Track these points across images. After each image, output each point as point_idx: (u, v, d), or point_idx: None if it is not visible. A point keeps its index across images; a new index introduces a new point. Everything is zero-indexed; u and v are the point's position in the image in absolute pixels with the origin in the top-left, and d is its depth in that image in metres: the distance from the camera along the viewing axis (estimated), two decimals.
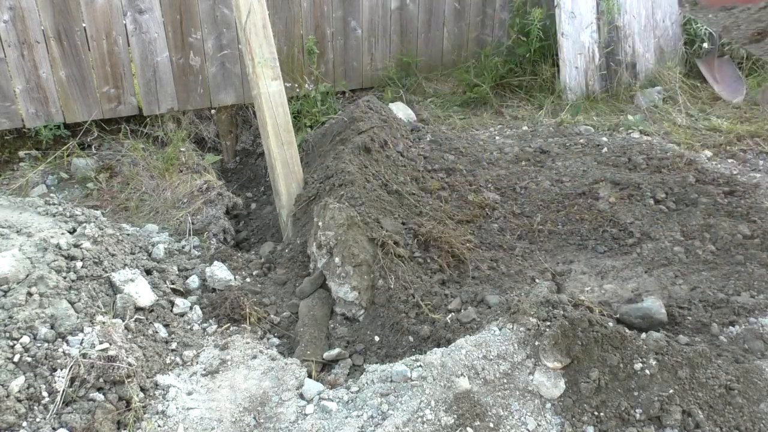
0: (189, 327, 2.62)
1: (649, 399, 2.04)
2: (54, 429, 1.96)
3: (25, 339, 2.10)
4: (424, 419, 2.02)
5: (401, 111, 4.57)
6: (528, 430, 2.04)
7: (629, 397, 2.07)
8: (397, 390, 2.15)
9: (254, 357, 2.45)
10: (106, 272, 2.55)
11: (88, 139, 4.04)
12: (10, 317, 2.14)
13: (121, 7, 3.85)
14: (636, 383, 2.08)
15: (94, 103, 3.97)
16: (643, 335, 2.21)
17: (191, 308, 2.70)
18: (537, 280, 2.94)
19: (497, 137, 4.48)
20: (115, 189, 3.76)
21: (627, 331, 2.17)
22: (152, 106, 4.15)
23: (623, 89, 5.09)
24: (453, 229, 3.22)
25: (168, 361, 2.38)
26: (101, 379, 2.09)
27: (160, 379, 2.26)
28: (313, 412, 2.16)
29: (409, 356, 2.35)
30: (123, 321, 2.37)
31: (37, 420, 1.96)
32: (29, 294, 2.23)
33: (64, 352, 2.11)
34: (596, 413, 2.06)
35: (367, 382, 2.24)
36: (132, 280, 2.55)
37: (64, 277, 2.38)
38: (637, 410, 2.05)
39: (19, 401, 1.96)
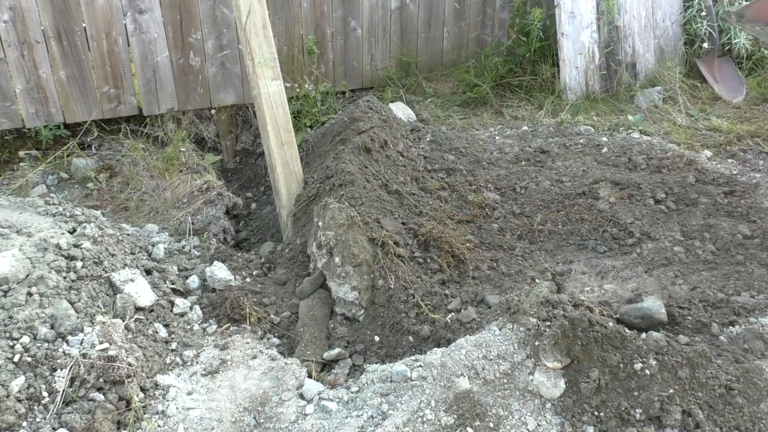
0: (189, 327, 2.62)
1: (649, 399, 2.04)
2: (54, 429, 1.96)
3: (25, 339, 2.10)
4: (424, 419, 2.02)
5: (401, 111, 4.57)
6: (528, 430, 2.04)
7: (629, 397, 2.07)
8: (397, 390, 2.15)
9: (254, 357, 2.45)
10: (106, 272, 2.55)
11: (88, 139, 4.04)
12: (10, 317, 2.14)
13: (121, 7, 3.85)
14: (636, 383, 2.08)
15: (94, 103, 3.97)
16: (643, 335, 2.21)
17: (191, 308, 2.70)
18: (537, 280, 2.94)
19: (497, 137, 4.48)
20: (115, 189, 3.76)
21: (627, 331, 2.17)
22: (152, 106, 4.15)
23: (623, 89, 5.09)
24: (453, 229, 3.22)
25: (168, 361, 2.38)
26: (101, 379, 2.09)
27: (160, 379, 2.26)
28: (313, 412, 2.16)
29: (409, 356, 2.35)
30: (123, 321, 2.37)
31: (37, 420, 1.96)
32: (29, 294, 2.23)
33: (64, 352, 2.11)
34: (596, 413, 2.06)
35: (367, 382, 2.24)
36: (132, 280, 2.55)
37: (64, 277, 2.38)
38: (637, 410, 2.05)
39: (19, 401, 1.96)
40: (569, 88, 4.97)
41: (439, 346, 2.40)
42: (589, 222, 3.40)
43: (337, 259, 2.79)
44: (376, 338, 2.65)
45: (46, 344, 2.12)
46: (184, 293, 2.81)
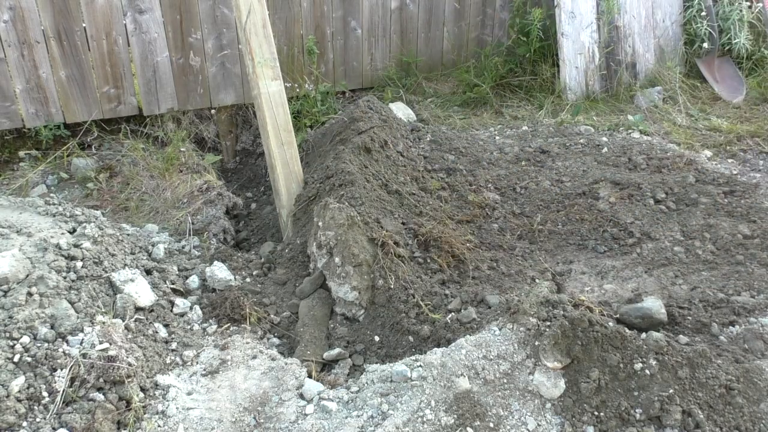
0: (189, 327, 2.62)
1: (649, 399, 2.04)
2: (54, 429, 1.96)
3: (25, 339, 2.10)
4: (424, 419, 2.02)
5: (401, 111, 4.57)
6: (528, 430, 2.04)
7: (629, 397, 2.07)
8: (397, 390, 2.15)
9: (254, 357, 2.45)
10: (106, 272, 2.55)
11: (88, 139, 4.04)
12: (10, 317, 2.14)
13: (121, 7, 3.85)
14: (636, 383, 2.08)
15: (94, 103, 3.97)
16: (643, 335, 2.21)
17: (191, 308, 2.70)
18: (537, 280, 2.94)
19: (497, 137, 4.48)
20: (115, 189, 3.76)
21: (627, 331, 2.17)
22: (152, 106, 4.15)
23: (623, 89, 5.09)
24: (453, 229, 3.22)
25: (168, 361, 2.38)
26: (101, 379, 2.09)
27: (160, 379, 2.26)
28: (313, 412, 2.16)
29: (409, 356, 2.35)
30: (123, 321, 2.37)
31: (37, 420, 1.96)
32: (29, 294, 2.23)
33: (64, 352, 2.11)
34: (596, 413, 2.06)
35: (367, 382, 2.24)
36: (132, 280, 2.55)
37: (64, 277, 2.38)
38: (637, 410, 2.05)
39: (19, 401, 1.96)
40: (569, 88, 4.97)
41: (439, 346, 2.40)
42: (589, 222, 3.40)
43: (337, 259, 2.79)
44: (376, 338, 2.65)
45: (46, 344, 2.12)
46: (184, 293, 2.81)
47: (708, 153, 4.20)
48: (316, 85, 4.64)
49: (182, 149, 4.05)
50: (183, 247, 3.25)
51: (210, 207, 3.61)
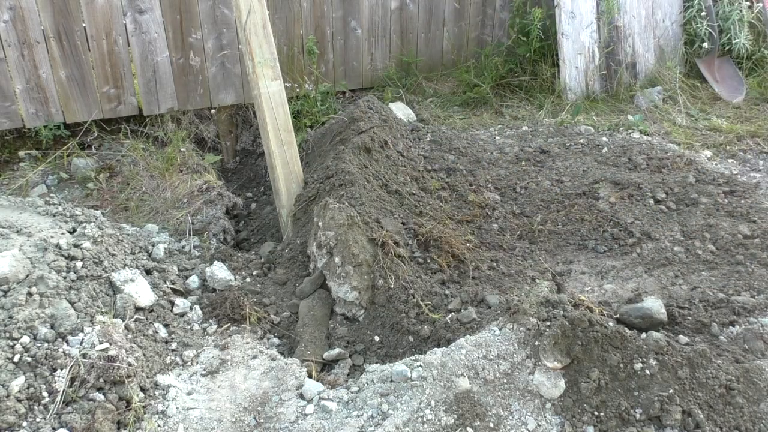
0: (189, 327, 2.62)
1: (649, 399, 2.04)
2: (54, 429, 1.96)
3: (25, 339, 2.10)
4: (424, 419, 2.02)
5: (401, 111, 4.57)
6: (528, 430, 2.04)
7: (629, 397, 2.07)
8: (397, 390, 2.15)
9: (254, 357, 2.45)
10: (106, 272, 2.55)
11: (88, 139, 4.04)
12: (10, 317, 2.14)
13: (121, 7, 3.85)
14: (636, 383, 2.08)
15: (94, 103, 3.97)
16: (643, 335, 2.21)
17: (191, 308, 2.70)
18: (537, 280, 2.94)
19: (497, 137, 4.48)
20: (115, 189, 3.76)
21: (627, 331, 2.17)
22: (152, 106, 4.15)
23: (623, 89, 5.09)
24: (453, 229, 3.22)
25: (168, 361, 2.38)
26: (101, 379, 2.09)
27: (160, 379, 2.26)
28: (313, 412, 2.16)
29: (409, 356, 2.35)
30: (123, 321, 2.37)
31: (37, 420, 1.96)
32: (29, 294, 2.23)
33: (64, 352, 2.11)
34: (596, 413, 2.06)
35: (367, 382, 2.24)
36: (132, 280, 2.55)
37: (64, 277, 2.38)
38: (637, 410, 2.05)
39: (19, 401, 1.96)
40: (569, 88, 4.97)
41: (439, 346, 2.40)
42: (589, 222, 3.40)
43: (337, 259, 2.79)
44: (376, 338, 2.65)
45: (46, 344, 2.12)
46: (184, 293, 2.81)
47: (708, 153, 4.20)
48: (316, 85, 4.64)
49: (182, 149, 4.05)
50: (183, 247, 3.25)
51: (210, 207, 3.61)
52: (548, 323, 2.21)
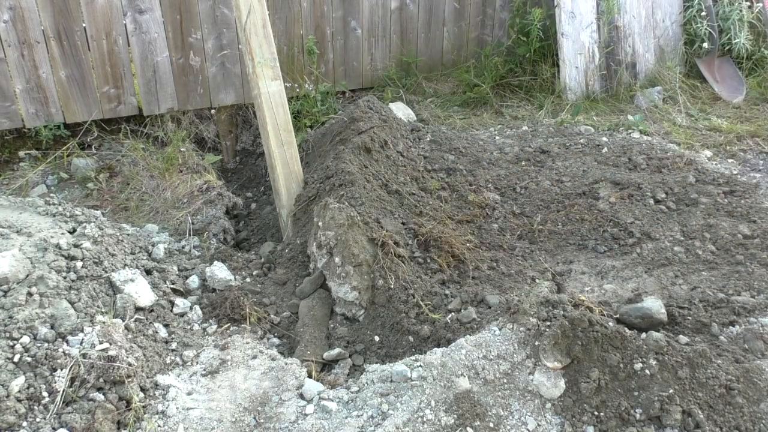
0: (189, 327, 2.62)
1: (649, 399, 2.04)
2: (54, 429, 1.96)
3: (25, 339, 2.10)
4: (424, 419, 2.02)
5: (401, 111, 4.57)
6: (528, 430, 2.04)
7: (629, 397, 2.07)
8: (397, 390, 2.15)
9: (254, 357, 2.45)
10: (106, 272, 2.55)
11: (88, 139, 4.04)
12: (10, 317, 2.14)
13: (121, 7, 3.85)
14: (636, 383, 2.08)
15: (94, 103, 3.97)
16: (643, 335, 2.21)
17: (191, 308, 2.70)
18: (537, 280, 2.94)
19: (497, 137, 4.48)
20: (115, 189, 3.76)
21: (627, 331, 2.17)
22: (152, 106, 4.15)
23: (623, 89, 5.09)
24: (453, 229, 3.22)
25: (168, 361, 2.38)
26: (101, 379, 2.09)
27: (160, 379, 2.26)
28: (313, 412, 2.16)
29: (409, 356, 2.35)
30: (123, 321, 2.37)
31: (37, 420, 1.96)
32: (29, 294, 2.23)
33: (64, 352, 2.11)
34: (596, 413, 2.06)
35: (367, 382, 2.24)
36: (132, 280, 2.55)
37: (64, 277, 2.38)
38: (637, 410, 2.05)
39: (19, 401, 1.96)
40: (569, 88, 4.97)
41: (439, 346, 2.40)
42: (589, 222, 3.40)
43: (337, 259, 2.79)
44: (376, 338, 2.65)
45: (46, 344, 2.12)
46: (184, 293, 2.81)
47: (708, 153, 4.20)
48: (316, 85, 4.64)
49: (182, 149, 4.05)
50: (183, 247, 3.25)
51: (210, 207, 3.61)
52: (548, 323, 2.22)
